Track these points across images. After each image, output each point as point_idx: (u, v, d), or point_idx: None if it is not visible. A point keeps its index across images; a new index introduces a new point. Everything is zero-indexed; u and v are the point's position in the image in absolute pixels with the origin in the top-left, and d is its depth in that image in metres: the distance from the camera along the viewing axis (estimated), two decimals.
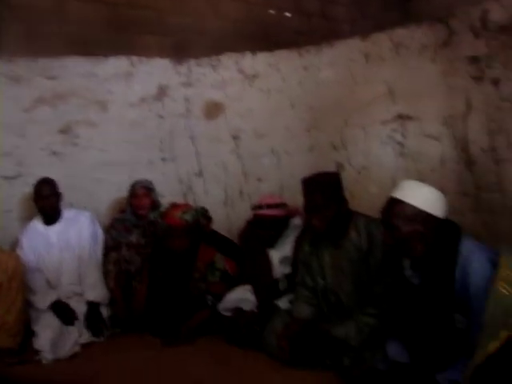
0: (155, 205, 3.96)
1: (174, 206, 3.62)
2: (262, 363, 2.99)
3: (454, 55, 3.71)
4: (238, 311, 3.40)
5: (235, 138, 4.21)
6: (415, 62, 3.82)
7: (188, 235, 3.51)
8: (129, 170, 4.22)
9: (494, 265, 2.21)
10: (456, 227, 2.42)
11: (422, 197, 2.35)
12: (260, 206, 3.42)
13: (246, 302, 3.43)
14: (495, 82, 3.60)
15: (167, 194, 4.15)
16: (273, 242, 3.46)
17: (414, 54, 3.76)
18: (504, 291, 1.92)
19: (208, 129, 4.25)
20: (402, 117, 3.88)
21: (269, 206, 3.39)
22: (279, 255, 3.46)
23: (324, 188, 2.83)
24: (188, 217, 3.50)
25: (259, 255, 3.51)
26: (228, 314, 3.44)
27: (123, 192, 4.05)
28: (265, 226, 3.40)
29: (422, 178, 3.75)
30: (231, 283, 3.57)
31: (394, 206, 2.36)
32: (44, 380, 2.26)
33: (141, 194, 3.92)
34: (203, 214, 3.64)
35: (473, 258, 2.27)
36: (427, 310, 2.37)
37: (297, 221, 3.48)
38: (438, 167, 3.79)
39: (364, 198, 3.78)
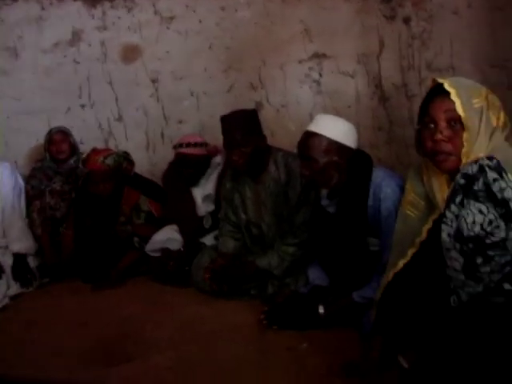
0: (74, 149, 3.93)
1: (94, 151, 3.59)
2: (191, 298, 3.07)
3: None
4: (165, 251, 3.45)
5: (154, 81, 4.17)
6: (330, 1, 3.89)
7: (111, 179, 3.51)
8: (47, 118, 4.14)
9: (403, 190, 2.37)
10: (368, 157, 2.55)
11: (336, 129, 2.45)
12: (181, 145, 3.45)
13: (172, 242, 3.49)
14: (406, 21, 3.73)
15: (88, 141, 4.09)
16: (195, 181, 3.52)
17: None
18: (410, 213, 2.03)
19: (126, 73, 4.18)
20: (318, 55, 3.98)
21: (189, 145, 3.42)
22: (202, 193, 3.53)
23: (242, 124, 2.88)
24: (109, 161, 3.49)
25: (182, 194, 3.55)
26: (155, 254, 3.49)
27: (41, 141, 3.98)
28: (186, 165, 3.44)
29: (338, 114, 3.83)
30: (157, 224, 3.62)
31: (310, 138, 2.45)
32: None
33: (58, 140, 3.87)
34: (125, 158, 3.63)
35: (383, 184, 2.41)
36: (343, 236, 2.51)
37: (218, 159, 3.54)
38: (353, 104, 3.93)
39: (283, 136, 3.87)
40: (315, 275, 2.73)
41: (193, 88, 4.15)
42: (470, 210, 1.61)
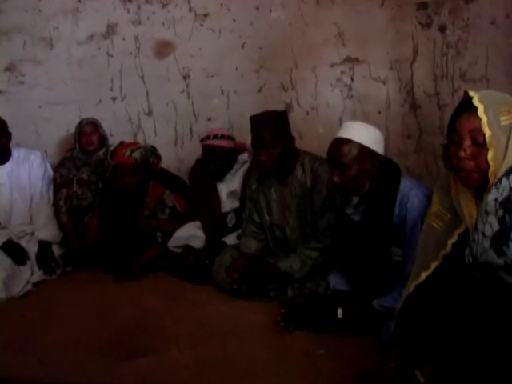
0: (104, 141, 3.98)
1: (122, 144, 3.64)
2: (211, 296, 3.09)
3: (402, 1, 3.77)
4: (186, 248, 3.47)
5: (185, 77, 4.19)
6: (364, 6, 3.87)
7: (137, 173, 3.53)
8: (78, 108, 4.20)
9: (430, 201, 2.35)
10: (396, 166, 2.53)
11: (367, 135, 2.44)
12: (208, 137, 3.46)
13: (195, 239, 3.50)
14: (442, 29, 3.69)
15: (117, 134, 4.14)
16: (220, 175, 3.51)
17: None
18: (435, 225, 2.01)
19: (158, 68, 4.20)
20: (350, 60, 3.95)
21: (216, 137, 3.43)
22: (227, 189, 3.53)
23: (271, 125, 2.87)
24: (137, 155, 3.51)
25: (207, 189, 3.56)
26: (177, 250, 3.51)
27: (72, 132, 4.04)
28: (213, 157, 3.43)
29: (368, 119, 3.86)
30: (180, 220, 3.64)
31: (342, 145, 2.42)
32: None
33: (88, 131, 3.92)
34: (152, 153, 3.65)
35: (411, 194, 2.40)
36: (367, 245, 2.50)
37: (245, 156, 3.53)
38: (384, 110, 3.90)
39: (312, 139, 3.87)
40: (336, 281, 2.72)
41: (223, 86, 4.16)
42: None
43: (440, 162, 3.72)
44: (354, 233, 2.55)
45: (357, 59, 3.93)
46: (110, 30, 4.23)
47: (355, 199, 2.51)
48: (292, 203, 2.99)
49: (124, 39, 4.22)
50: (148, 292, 3.19)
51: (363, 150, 2.40)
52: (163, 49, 4.21)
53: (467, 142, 1.72)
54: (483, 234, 1.58)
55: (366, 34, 3.88)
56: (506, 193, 1.58)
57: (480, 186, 1.73)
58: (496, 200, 1.57)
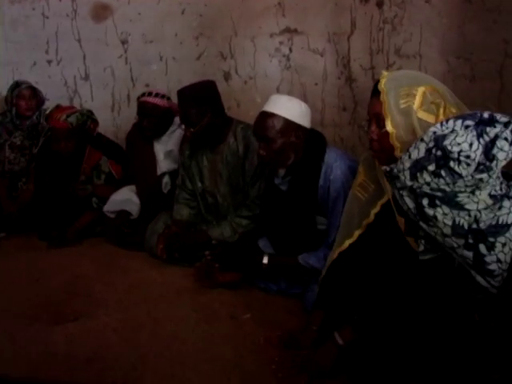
0: (39, 106, 3.89)
1: (58, 108, 3.55)
2: (143, 262, 3.13)
3: None
4: (120, 214, 3.48)
5: (123, 42, 4.13)
6: None
7: (72, 138, 3.48)
8: (11, 71, 4.08)
9: (354, 173, 2.44)
10: (321, 138, 2.59)
11: (293, 109, 2.48)
12: (143, 94, 3.45)
13: (130, 204, 3.51)
14: (379, 5, 3.74)
15: (52, 98, 4.04)
16: (154, 133, 3.48)
17: None
18: (359, 195, 2.11)
19: (96, 32, 4.12)
20: (289, 30, 3.98)
21: (151, 94, 3.41)
22: (164, 149, 3.52)
23: (197, 101, 2.88)
24: (72, 119, 3.45)
25: (144, 151, 3.54)
26: (112, 215, 3.51)
27: (4, 94, 3.93)
28: (146, 113, 3.40)
29: (305, 90, 3.94)
30: (116, 186, 3.63)
31: (267, 119, 2.47)
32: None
33: (27, 95, 3.81)
34: (89, 117, 3.59)
35: (334, 166, 2.46)
36: (293, 214, 2.57)
37: None
38: (320, 82, 3.96)
39: (249, 108, 3.90)
40: (263, 244, 2.80)
41: (162, 52, 4.13)
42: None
43: None
44: (281, 202, 2.61)
45: (296, 30, 3.95)
46: None
47: (282, 171, 2.56)
48: (223, 170, 3.04)
49: (60, 0, 4.11)
50: (80, 258, 3.20)
51: (287, 123, 2.45)
52: (101, 12, 4.13)
53: (373, 125, 1.83)
54: (409, 155, 1.65)
55: (305, 5, 3.91)
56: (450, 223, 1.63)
57: (392, 162, 1.78)
58: (435, 133, 1.62)
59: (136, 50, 4.14)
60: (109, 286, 2.81)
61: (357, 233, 2.09)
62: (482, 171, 1.51)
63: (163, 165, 3.52)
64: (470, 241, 1.57)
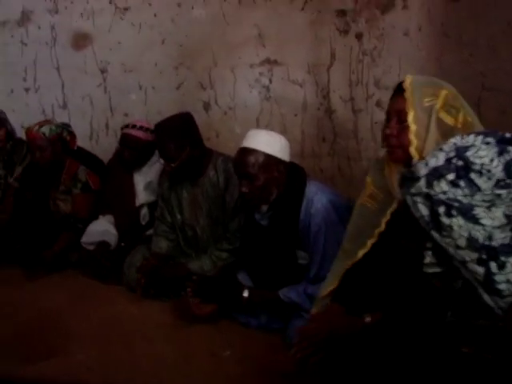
0: (10, 135, 3.81)
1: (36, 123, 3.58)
2: (120, 296, 3.06)
3: (322, 6, 3.84)
4: (100, 244, 3.41)
5: (103, 71, 4.10)
6: (285, 8, 3.90)
7: (47, 148, 3.48)
8: None
9: (334, 206, 2.43)
10: (301, 171, 2.58)
11: (273, 144, 2.46)
12: (127, 126, 3.44)
13: (108, 235, 3.45)
14: (358, 37, 3.78)
15: None
16: (134, 165, 3.46)
17: (285, 1, 3.84)
18: (369, 205, 2.13)
19: (75, 60, 4.09)
20: (269, 61, 3.98)
21: (134, 127, 3.40)
22: (144, 180, 3.47)
23: (175, 135, 2.87)
24: (45, 130, 3.48)
25: (123, 181, 3.50)
26: (90, 247, 3.44)
27: None
28: (127, 145, 3.39)
29: (284, 121, 3.94)
30: (94, 195, 3.62)
31: (249, 155, 2.44)
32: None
33: None
34: (65, 129, 3.60)
35: (315, 199, 2.44)
36: (273, 248, 2.55)
37: None
38: (300, 112, 3.96)
39: (229, 138, 3.89)
40: (242, 277, 2.77)
41: (142, 82, 4.10)
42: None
43: (353, 164, 3.85)
44: (261, 237, 2.59)
45: (276, 61, 3.96)
46: (25, 18, 4.09)
47: (264, 207, 2.54)
48: (203, 203, 3.01)
49: (39, 28, 4.09)
50: (55, 291, 3.11)
51: (269, 158, 2.43)
52: (81, 40, 4.10)
53: (393, 121, 1.91)
54: (426, 163, 1.65)
55: (285, 36, 3.93)
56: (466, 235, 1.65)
57: (406, 161, 1.88)
58: (455, 144, 1.59)
59: (115, 78, 4.11)
60: (84, 320, 2.74)
61: (369, 242, 2.09)
62: (501, 187, 1.50)
63: (142, 196, 3.48)
64: (484, 256, 1.54)
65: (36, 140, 3.46)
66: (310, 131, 3.95)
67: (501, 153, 1.52)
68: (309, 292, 2.45)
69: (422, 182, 1.59)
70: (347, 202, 2.61)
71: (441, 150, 1.60)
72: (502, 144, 1.54)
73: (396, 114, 1.90)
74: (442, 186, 1.54)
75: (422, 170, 1.61)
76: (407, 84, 1.87)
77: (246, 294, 2.59)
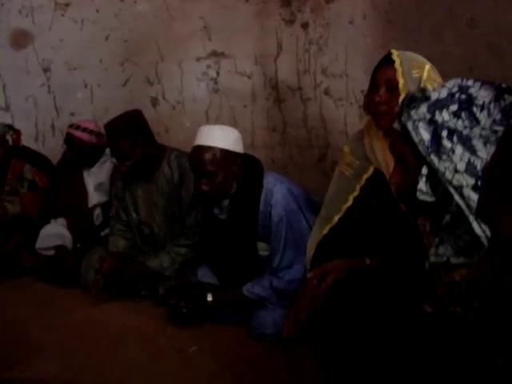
0: None
1: None
2: (80, 300, 2.99)
3: None
4: (60, 248, 3.31)
5: (46, 70, 3.99)
6: (230, 0, 3.89)
7: None
8: None
9: (293, 195, 2.47)
10: (257, 162, 2.60)
11: (226, 138, 2.46)
12: (72, 125, 3.36)
13: (63, 238, 3.36)
14: (304, 26, 3.80)
15: None
16: (81, 166, 3.40)
17: None
18: (346, 173, 2.27)
19: (15, 60, 3.95)
20: (216, 54, 3.97)
21: (78, 128, 3.32)
22: (94, 181, 3.41)
23: (125, 133, 2.83)
24: None
25: (73, 183, 3.44)
26: (47, 252, 3.33)
27: None
28: (72, 147, 3.33)
29: (234, 113, 3.94)
30: (41, 193, 3.54)
31: (205, 153, 2.44)
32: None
33: None
34: (10, 128, 3.52)
35: (274, 190, 2.47)
36: (233, 241, 2.56)
37: None
38: (249, 104, 3.96)
39: (178, 132, 3.87)
40: (203, 273, 2.77)
41: (87, 79, 4.01)
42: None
43: (304, 153, 3.88)
44: (221, 231, 2.59)
45: (222, 53, 3.95)
46: None
47: (226, 201, 2.54)
48: (159, 200, 2.98)
49: None
50: (12, 300, 3.00)
51: (225, 153, 2.43)
52: (21, 39, 3.97)
53: (383, 89, 2.02)
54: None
55: (231, 28, 3.91)
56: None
57: (389, 129, 1.93)
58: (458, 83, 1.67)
59: (59, 77, 4.00)
60: (45, 328, 2.66)
61: (344, 207, 2.23)
62: (499, 124, 1.56)
63: (94, 197, 3.41)
64: (479, 183, 1.60)
65: None
66: (260, 122, 3.96)
67: (498, 98, 1.59)
68: (274, 285, 2.49)
69: (424, 109, 1.64)
70: (304, 191, 2.65)
71: (443, 86, 1.66)
72: (499, 92, 1.62)
73: (385, 82, 2.02)
74: (444, 115, 1.60)
75: (423, 104, 1.67)
76: (395, 56, 2.00)
77: (209, 298, 2.58)
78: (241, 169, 2.48)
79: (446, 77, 2.10)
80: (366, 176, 2.17)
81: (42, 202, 3.54)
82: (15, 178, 3.52)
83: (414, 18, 3.23)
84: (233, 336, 2.56)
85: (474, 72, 2.99)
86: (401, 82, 1.97)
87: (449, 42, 3.08)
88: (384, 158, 2.09)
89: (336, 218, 2.22)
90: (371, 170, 2.16)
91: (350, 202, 2.20)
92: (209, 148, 2.43)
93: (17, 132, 3.56)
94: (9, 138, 3.49)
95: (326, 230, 2.25)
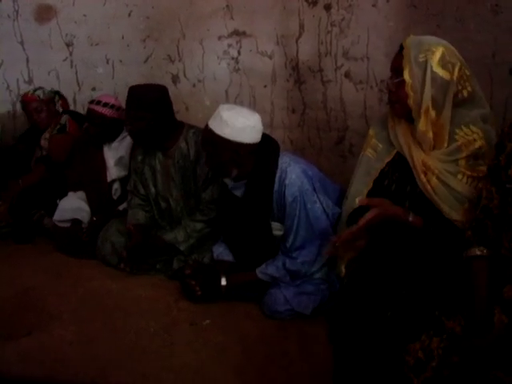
0: None
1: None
2: (96, 271, 3.04)
3: None
4: (75, 222, 3.38)
5: (68, 44, 4.03)
6: None
7: (42, 109, 3.72)
8: None
9: (308, 176, 2.48)
10: (274, 143, 2.61)
11: (232, 127, 2.41)
12: (93, 101, 3.39)
13: (81, 212, 3.42)
14: (327, 8, 3.77)
15: None
16: (103, 141, 3.44)
17: None
18: (370, 155, 2.28)
19: (39, 34, 4.00)
20: (238, 33, 3.96)
21: (99, 103, 3.34)
22: (114, 156, 3.44)
23: (148, 107, 2.85)
24: (39, 93, 3.71)
25: (93, 156, 3.48)
26: (64, 224, 3.40)
27: None
28: (93, 122, 3.36)
29: (254, 93, 3.94)
30: (68, 140, 3.67)
31: (206, 134, 2.49)
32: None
33: None
34: (56, 94, 3.83)
35: (289, 170, 2.49)
36: (248, 219, 2.58)
37: None
38: (269, 84, 3.95)
39: (198, 111, 3.90)
40: (220, 251, 2.78)
41: (109, 55, 4.04)
42: None
43: (322, 135, 3.87)
44: (236, 208, 2.62)
45: (244, 33, 3.94)
46: None
47: (227, 180, 2.60)
48: (175, 175, 3.01)
49: (0, 0, 3.97)
50: (31, 269, 3.06)
51: (226, 142, 2.42)
52: (45, 13, 4.01)
53: (392, 78, 2.06)
54: None
55: (253, 8, 3.90)
56: None
57: (407, 115, 2.06)
58: None
59: (81, 52, 4.04)
60: (62, 297, 2.72)
61: (366, 190, 2.24)
62: None
63: (113, 171, 3.45)
64: None
65: (32, 102, 3.68)
66: (280, 103, 3.96)
67: None
68: (287, 266, 2.52)
69: None
70: (319, 173, 2.66)
71: None
72: None
73: (394, 70, 2.04)
74: None
75: None
76: (406, 42, 2.00)
77: (223, 282, 2.61)
78: (241, 157, 2.46)
79: (467, 63, 2.10)
80: (388, 159, 2.19)
81: (67, 147, 3.65)
82: (54, 125, 3.75)
83: (438, 2, 3.20)
84: (245, 312, 2.59)
85: (495, 58, 2.97)
86: (405, 68, 1.97)
87: (472, 27, 3.05)
88: (406, 142, 2.10)
89: (365, 191, 2.23)
90: (393, 153, 2.17)
91: (370, 186, 2.22)
92: (210, 131, 2.45)
93: (63, 98, 3.82)
94: (58, 104, 3.82)
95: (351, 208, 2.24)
